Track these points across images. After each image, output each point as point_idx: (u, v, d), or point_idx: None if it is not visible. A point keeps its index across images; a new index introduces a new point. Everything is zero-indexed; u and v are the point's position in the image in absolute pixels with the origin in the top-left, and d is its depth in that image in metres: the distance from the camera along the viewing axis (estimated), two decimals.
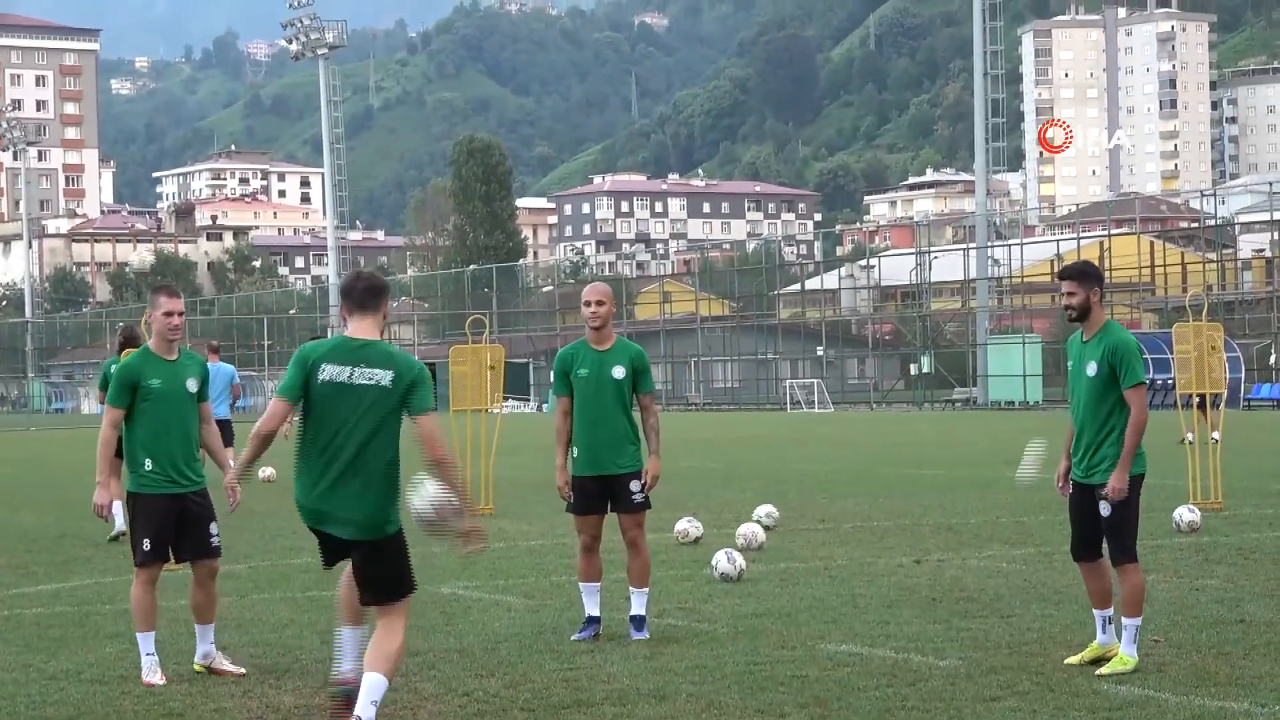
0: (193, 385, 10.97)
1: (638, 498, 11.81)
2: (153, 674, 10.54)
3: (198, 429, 10.99)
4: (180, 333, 10.98)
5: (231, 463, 11.31)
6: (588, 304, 11.79)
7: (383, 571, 8.89)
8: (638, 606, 11.89)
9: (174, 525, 10.79)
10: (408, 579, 8.98)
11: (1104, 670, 10.02)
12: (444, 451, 8.67)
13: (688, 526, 17.81)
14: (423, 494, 8.56)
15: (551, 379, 12.17)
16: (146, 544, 10.71)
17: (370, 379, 8.74)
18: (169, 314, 10.89)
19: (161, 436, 10.76)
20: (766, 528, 18.04)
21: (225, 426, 26.33)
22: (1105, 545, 10.46)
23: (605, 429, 11.72)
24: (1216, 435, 34.87)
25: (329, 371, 8.81)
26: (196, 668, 10.77)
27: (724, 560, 14.54)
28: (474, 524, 8.79)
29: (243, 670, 10.73)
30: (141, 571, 10.76)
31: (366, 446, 8.75)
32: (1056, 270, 10.96)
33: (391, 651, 8.71)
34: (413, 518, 8.63)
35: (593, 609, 11.91)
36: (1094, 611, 10.48)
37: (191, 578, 10.85)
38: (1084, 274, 10.39)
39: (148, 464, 10.73)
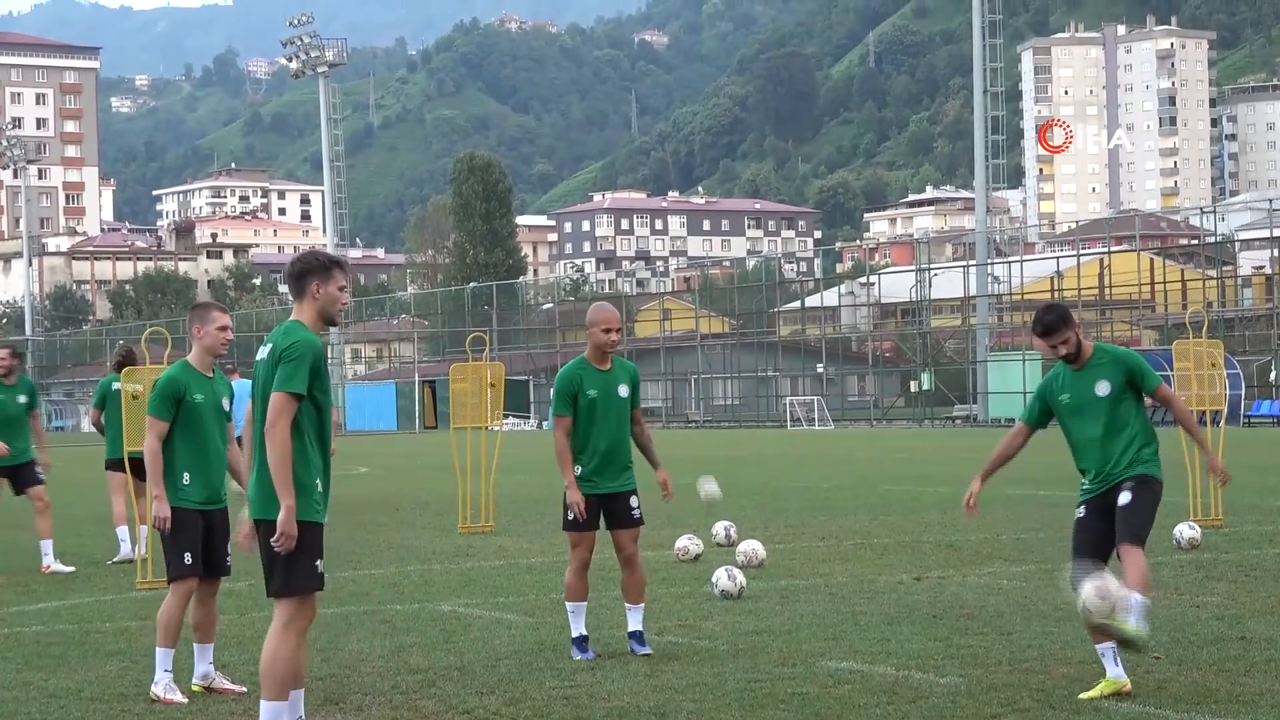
0: (225, 403, 11.08)
1: (636, 513, 11.86)
2: (172, 691, 10.48)
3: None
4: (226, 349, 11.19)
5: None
6: (607, 331, 11.83)
7: (264, 556, 8.68)
8: (635, 623, 11.91)
9: (203, 541, 10.80)
10: (278, 577, 8.63)
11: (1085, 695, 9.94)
12: (269, 425, 8.52)
13: (688, 544, 17.81)
14: None
15: (552, 398, 12.17)
16: (188, 558, 10.69)
17: (262, 354, 8.78)
18: (224, 328, 11.06)
19: (201, 452, 10.81)
20: (719, 544, 18.17)
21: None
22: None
23: (613, 448, 11.81)
24: None
25: (259, 353, 8.95)
26: (195, 687, 10.75)
27: (724, 577, 14.54)
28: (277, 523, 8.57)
29: (243, 689, 10.71)
30: (180, 586, 10.73)
31: (258, 420, 8.70)
32: (1034, 329, 10.81)
33: (262, 664, 8.68)
34: None
35: (581, 628, 11.89)
36: (1099, 647, 10.09)
37: (194, 595, 10.82)
38: (1064, 319, 10.37)
39: (186, 478, 10.75)
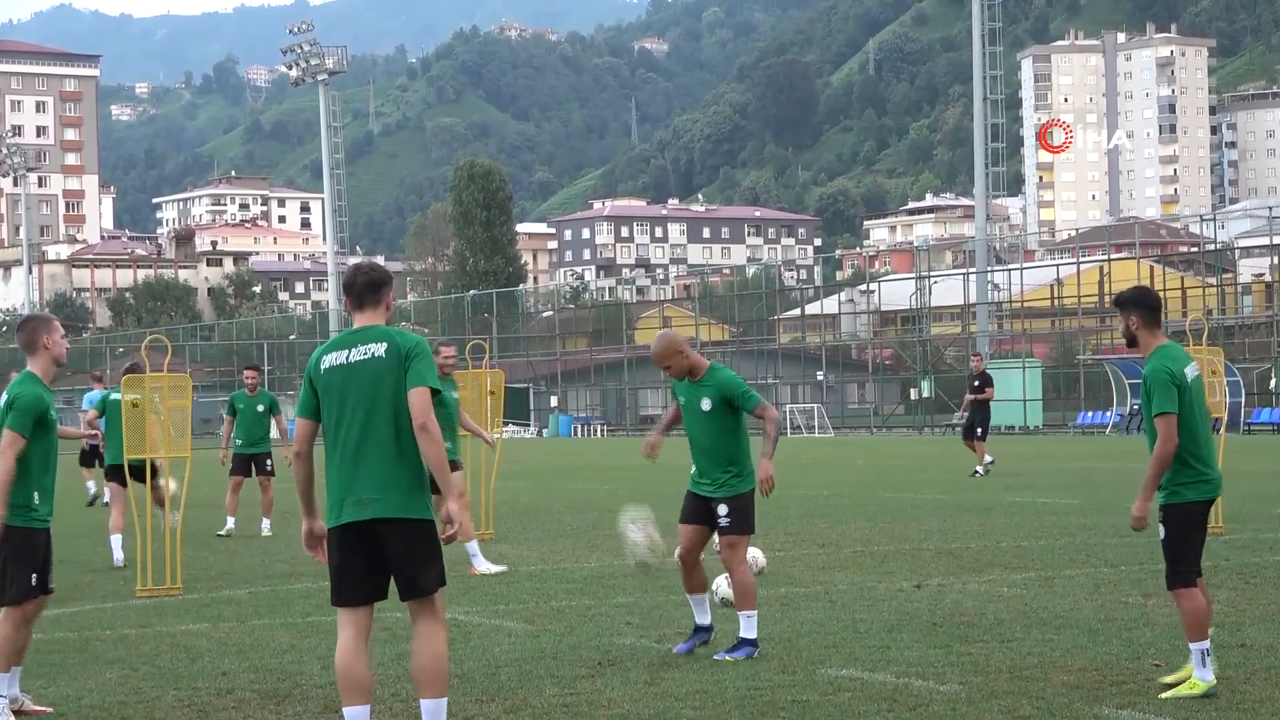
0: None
1: (722, 522, 12.11)
2: (4, 716, 10.34)
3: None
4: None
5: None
6: (663, 368, 12.75)
7: (406, 558, 8.53)
8: (740, 629, 12.06)
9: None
10: (432, 573, 8.57)
11: (1167, 695, 10.01)
12: (423, 419, 8.47)
13: None
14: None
15: None
16: (34, 579, 10.41)
17: (366, 354, 8.60)
18: (64, 336, 10.89)
19: (53, 470, 10.57)
20: (719, 551, 18.02)
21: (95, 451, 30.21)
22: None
23: (699, 455, 12.30)
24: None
25: (329, 360, 8.70)
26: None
27: (724, 585, 14.50)
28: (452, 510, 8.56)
29: (50, 709, 10.55)
30: (25, 607, 10.45)
31: (370, 420, 8.54)
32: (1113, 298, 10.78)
33: (426, 664, 8.53)
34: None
35: (701, 618, 12.29)
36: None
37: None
38: (1123, 302, 10.49)
39: (36, 497, 10.38)
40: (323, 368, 8.71)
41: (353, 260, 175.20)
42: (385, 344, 8.61)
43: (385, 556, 8.56)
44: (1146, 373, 10.27)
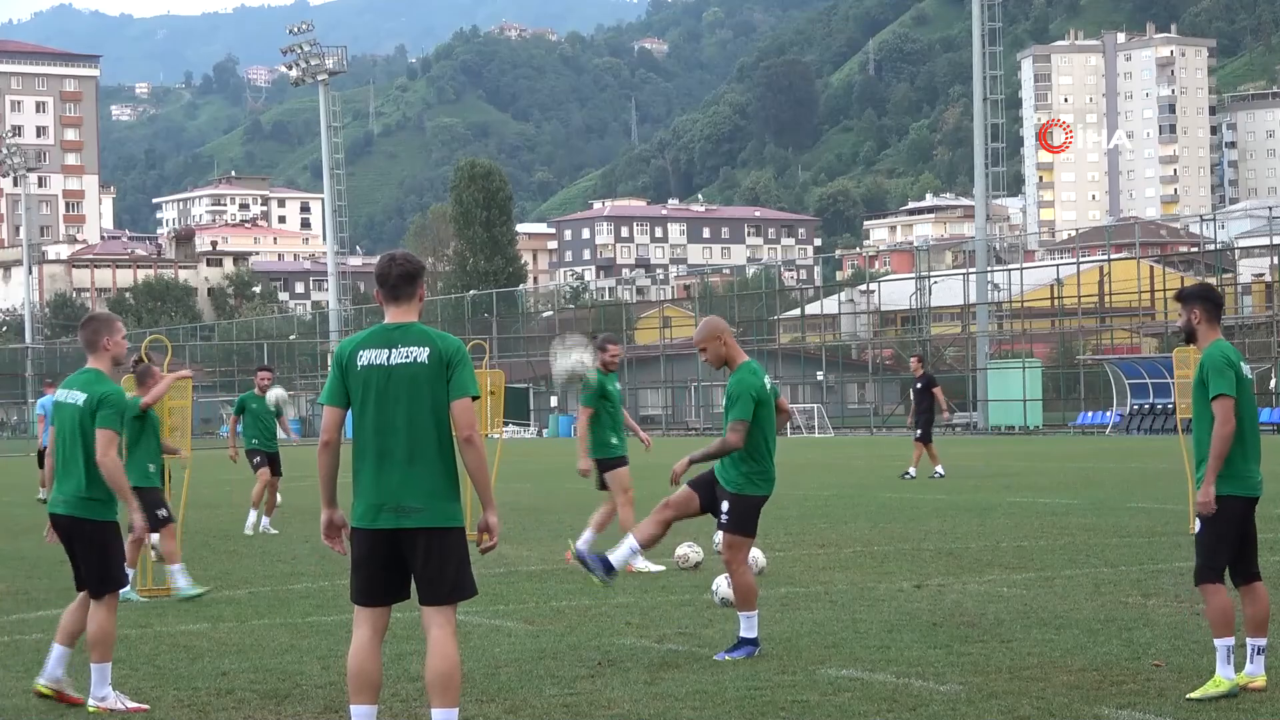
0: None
1: (722, 517, 12.22)
2: (122, 700, 10.53)
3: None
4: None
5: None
6: (700, 350, 12.52)
7: (439, 566, 8.48)
8: (739, 629, 12.06)
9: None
10: (466, 581, 8.59)
11: (1194, 694, 9.99)
12: (470, 431, 8.45)
13: (688, 551, 17.78)
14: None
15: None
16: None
17: (408, 357, 8.47)
18: (126, 337, 10.99)
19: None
20: (719, 552, 17.94)
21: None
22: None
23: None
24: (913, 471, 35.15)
25: (366, 356, 8.55)
26: (42, 688, 10.80)
27: (724, 585, 14.51)
28: (491, 520, 8.59)
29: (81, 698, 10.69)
30: (114, 598, 10.71)
31: (414, 426, 8.45)
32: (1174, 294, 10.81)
33: (442, 673, 8.41)
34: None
35: (625, 557, 12.69)
36: (1246, 640, 10.34)
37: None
38: (1188, 296, 10.52)
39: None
40: (359, 363, 8.55)
41: (353, 261, 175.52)
42: (427, 349, 8.51)
43: (414, 561, 8.51)
44: (1204, 359, 10.26)
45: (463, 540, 8.60)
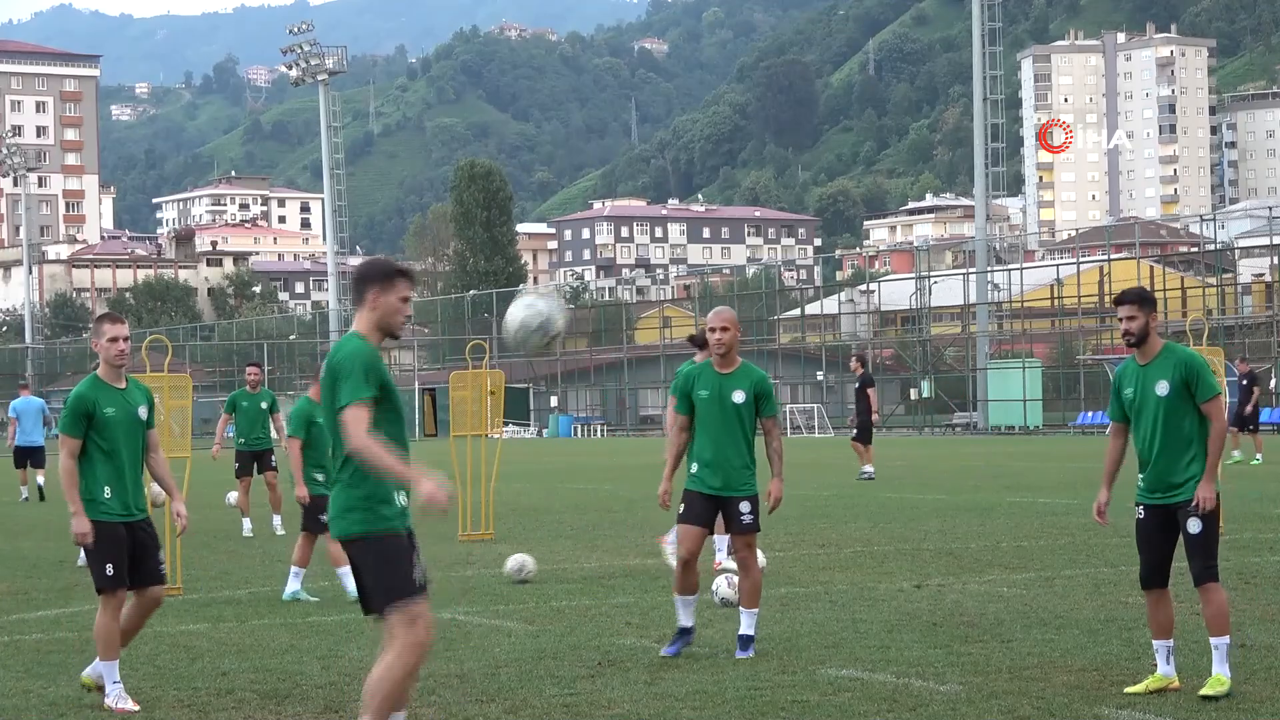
0: (143, 412, 10.87)
1: (746, 519, 11.99)
2: (124, 700, 10.49)
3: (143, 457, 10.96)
4: (127, 359, 10.91)
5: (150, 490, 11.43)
6: (712, 330, 12.01)
7: (361, 578, 8.48)
8: (746, 626, 12.03)
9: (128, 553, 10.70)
10: (378, 592, 8.38)
11: (1206, 690, 10.00)
12: (356, 443, 8.22)
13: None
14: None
15: (670, 393, 12.40)
16: (110, 569, 10.56)
17: (325, 370, 8.47)
18: (114, 339, 10.81)
19: (118, 465, 10.66)
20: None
21: (38, 452, 33.03)
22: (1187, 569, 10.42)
23: (721, 451, 11.95)
24: (1237, 454, 34.90)
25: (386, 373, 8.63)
26: (88, 680, 10.82)
27: (724, 585, 14.53)
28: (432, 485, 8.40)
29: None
30: (108, 599, 10.63)
31: (333, 441, 8.46)
32: (1114, 296, 10.77)
33: (373, 681, 8.23)
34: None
35: (686, 620, 12.08)
36: (1155, 643, 10.38)
37: (125, 605, 10.76)
38: (1143, 298, 10.41)
39: (106, 492, 10.61)
40: (387, 376, 8.47)
41: (352, 261, 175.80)
42: (326, 363, 8.50)
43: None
44: (1186, 360, 10.33)
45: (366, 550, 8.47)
